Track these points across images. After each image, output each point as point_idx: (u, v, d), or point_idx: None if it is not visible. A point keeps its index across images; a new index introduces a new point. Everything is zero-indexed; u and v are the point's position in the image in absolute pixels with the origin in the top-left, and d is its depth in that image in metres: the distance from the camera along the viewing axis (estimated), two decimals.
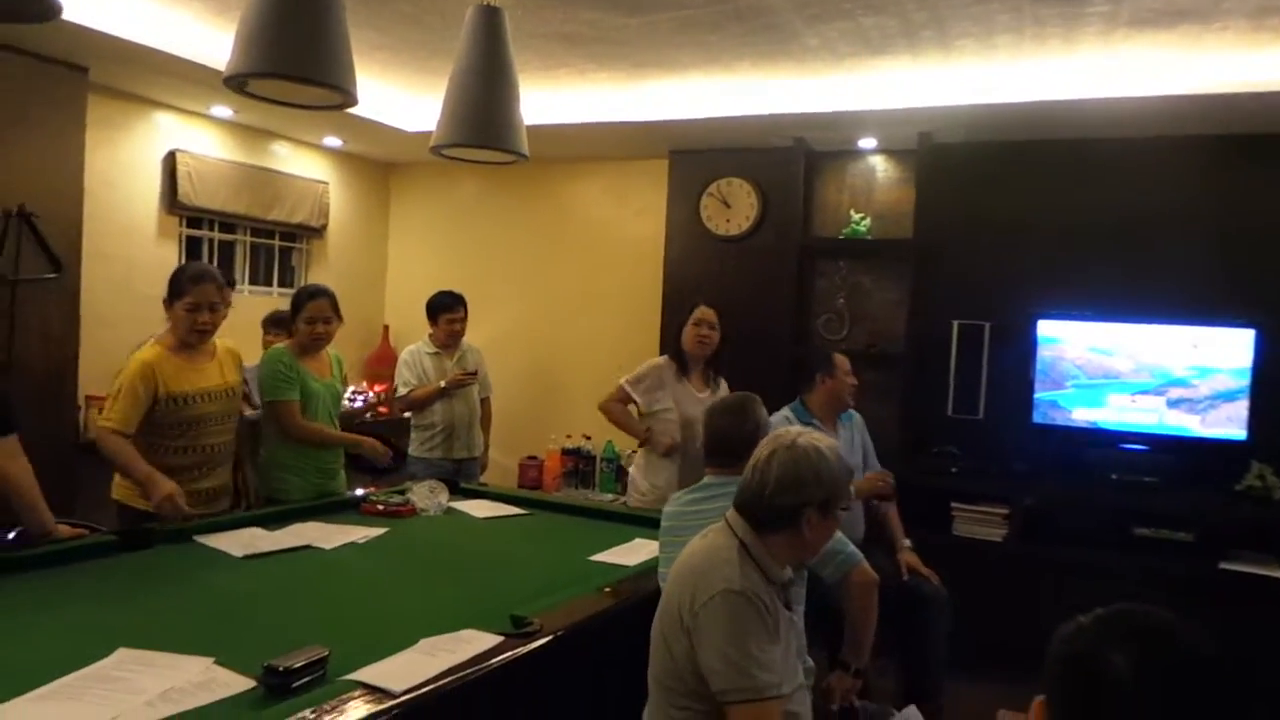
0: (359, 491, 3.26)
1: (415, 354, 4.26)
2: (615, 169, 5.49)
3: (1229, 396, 3.83)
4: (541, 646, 1.84)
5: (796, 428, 1.92)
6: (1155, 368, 3.96)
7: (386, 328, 5.99)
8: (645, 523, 3.01)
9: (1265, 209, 3.97)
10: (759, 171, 4.90)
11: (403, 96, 4.64)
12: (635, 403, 3.67)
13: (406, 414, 4.32)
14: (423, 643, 1.77)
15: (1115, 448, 3.97)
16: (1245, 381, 3.80)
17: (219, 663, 1.67)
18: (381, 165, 6.06)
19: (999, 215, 4.40)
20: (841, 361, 3.39)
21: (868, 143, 4.70)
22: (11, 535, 2.44)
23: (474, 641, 1.78)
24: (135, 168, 4.52)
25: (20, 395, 3.66)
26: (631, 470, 3.89)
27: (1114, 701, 0.87)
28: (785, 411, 3.32)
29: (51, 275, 3.83)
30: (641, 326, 5.21)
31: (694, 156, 5.04)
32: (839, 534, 2.28)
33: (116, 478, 2.90)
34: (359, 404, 5.12)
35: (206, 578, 2.33)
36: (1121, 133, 4.10)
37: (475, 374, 4.23)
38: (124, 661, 1.67)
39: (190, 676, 1.61)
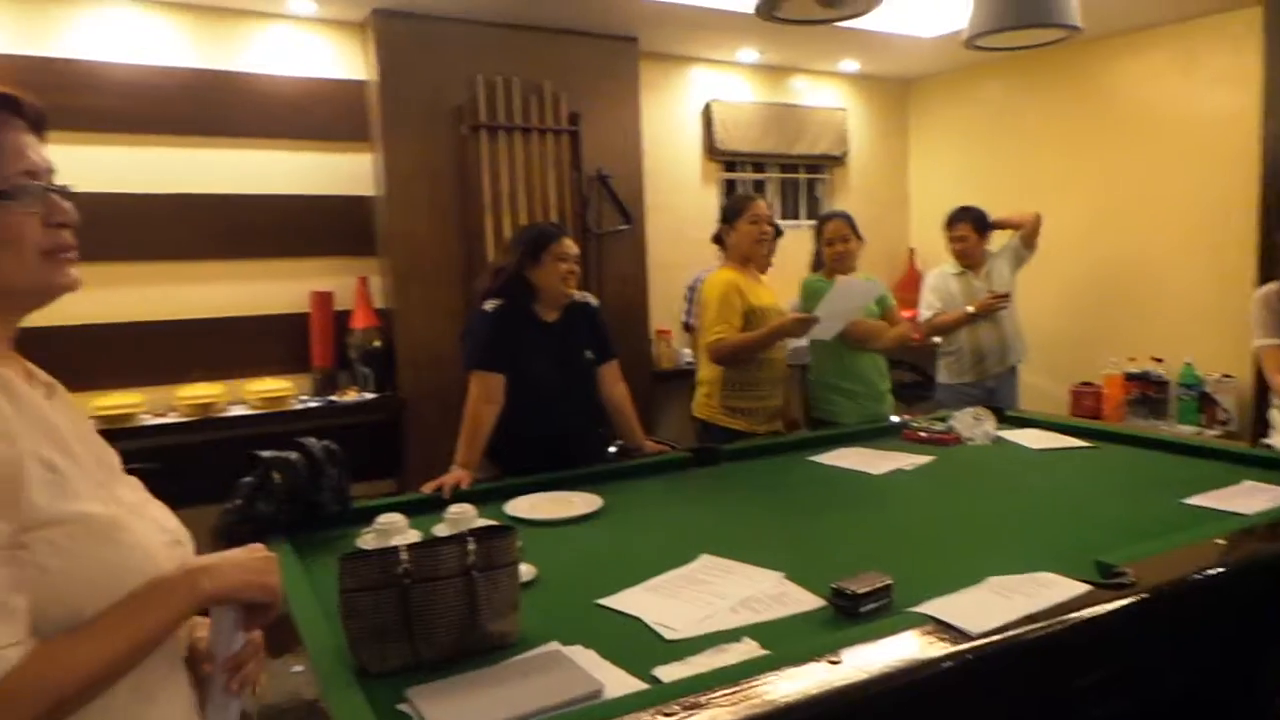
0: (898, 419, 3.21)
1: (940, 276, 4.10)
2: (1178, 33, 4.50)
3: None
4: (1137, 602, 1.55)
5: None
6: None
7: (912, 251, 5.81)
8: (1255, 462, 2.45)
9: None
10: None
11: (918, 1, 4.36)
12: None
13: (934, 339, 4.14)
14: (992, 581, 1.61)
15: None
16: None
17: (788, 578, 1.72)
18: (898, 83, 5.83)
19: None
20: None
21: None
22: (613, 449, 2.90)
23: (1054, 587, 1.57)
24: (679, 123, 4.99)
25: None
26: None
27: None
28: None
29: (624, 227, 4.45)
30: (1226, 223, 4.25)
31: None
32: None
33: (699, 398, 3.17)
34: None
35: (768, 495, 2.49)
36: None
37: (1007, 296, 3.89)
38: (707, 567, 1.83)
39: (765, 588, 1.69)
